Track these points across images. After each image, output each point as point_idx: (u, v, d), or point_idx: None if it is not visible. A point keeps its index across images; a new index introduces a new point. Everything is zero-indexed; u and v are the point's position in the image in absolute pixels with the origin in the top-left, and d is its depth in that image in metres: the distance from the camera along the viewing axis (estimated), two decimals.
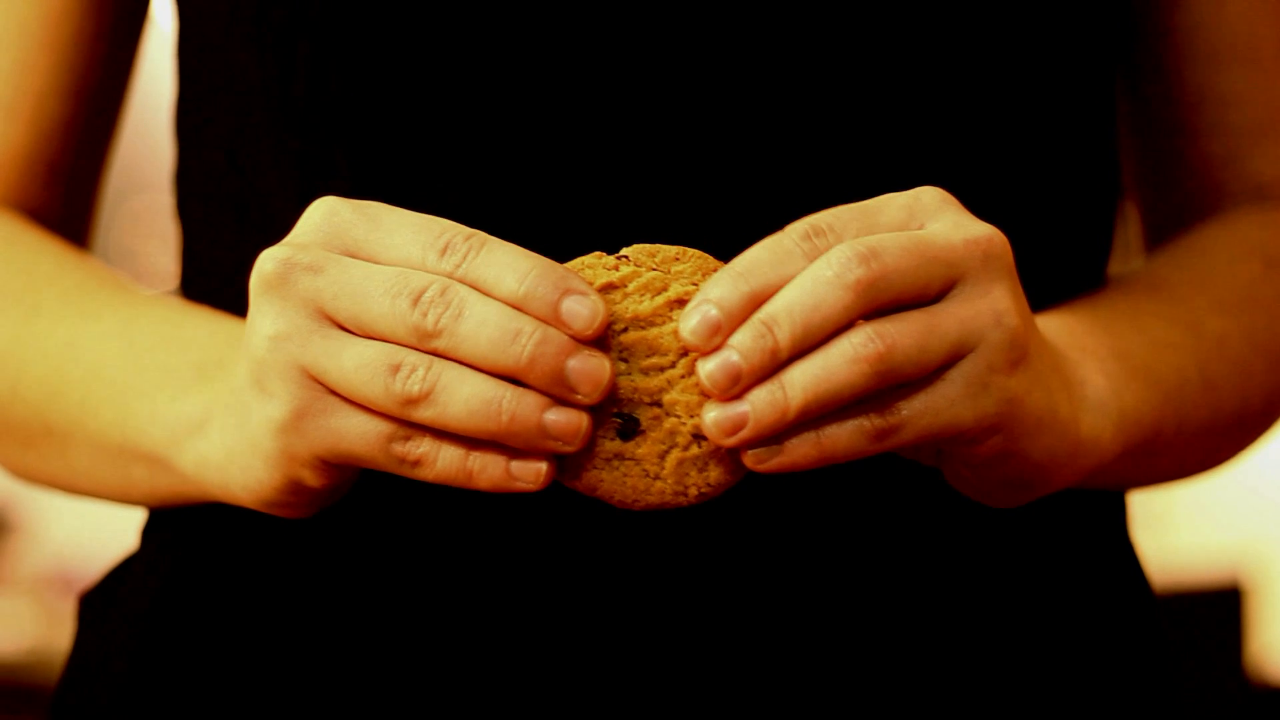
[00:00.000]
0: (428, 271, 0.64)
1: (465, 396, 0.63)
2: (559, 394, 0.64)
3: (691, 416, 0.66)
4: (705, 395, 0.65)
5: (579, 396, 0.64)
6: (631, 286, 0.67)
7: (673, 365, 0.66)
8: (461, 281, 0.64)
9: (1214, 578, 2.81)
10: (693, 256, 0.67)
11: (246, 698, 0.80)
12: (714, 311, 0.64)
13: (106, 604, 0.86)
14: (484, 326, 0.63)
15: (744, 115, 0.76)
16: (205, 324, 0.79)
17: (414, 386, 0.63)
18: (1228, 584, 2.76)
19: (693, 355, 0.66)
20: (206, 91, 0.84)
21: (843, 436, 0.64)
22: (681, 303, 0.66)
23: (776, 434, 0.64)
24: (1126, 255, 0.91)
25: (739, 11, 0.76)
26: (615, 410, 0.66)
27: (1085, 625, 0.83)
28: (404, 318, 0.63)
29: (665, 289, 0.67)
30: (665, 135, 0.76)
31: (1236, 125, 0.89)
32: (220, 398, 0.73)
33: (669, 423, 0.66)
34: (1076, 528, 0.84)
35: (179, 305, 0.82)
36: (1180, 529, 3.39)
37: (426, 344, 0.63)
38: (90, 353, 0.80)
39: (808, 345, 0.63)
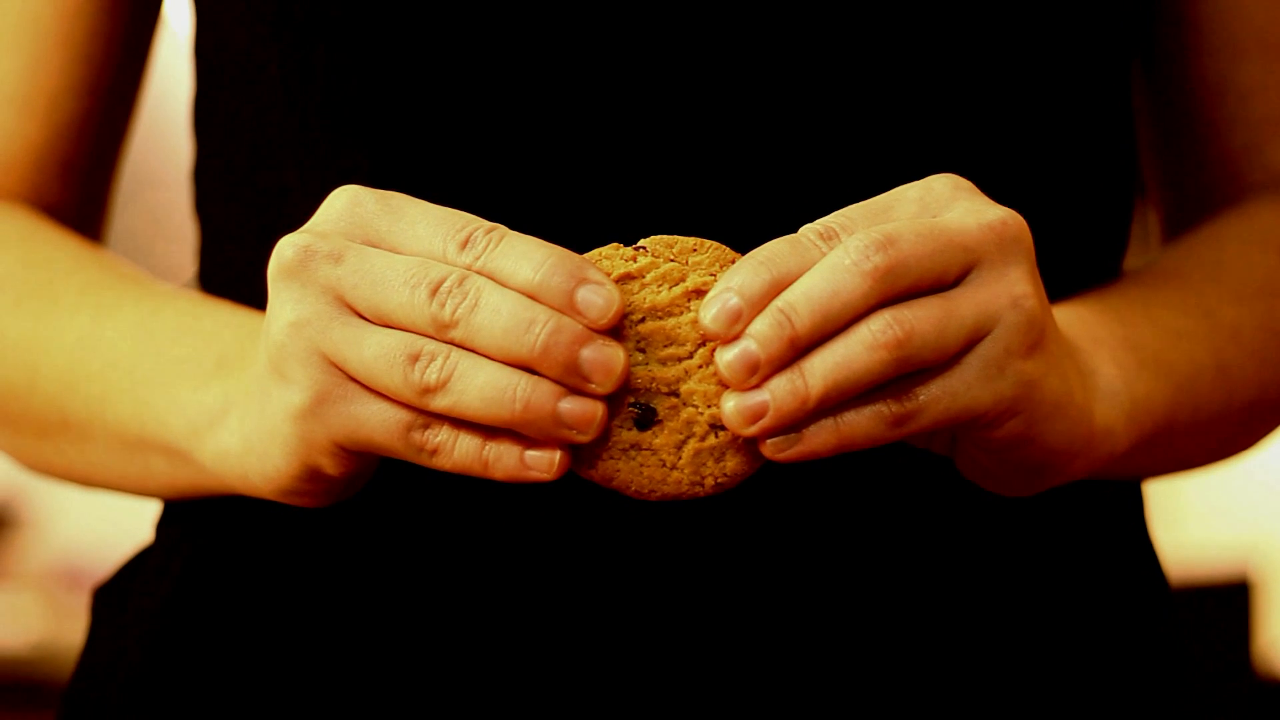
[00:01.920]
0: (448, 263, 0.64)
1: (480, 385, 0.63)
2: (573, 383, 0.64)
3: (709, 406, 0.66)
4: (724, 385, 0.65)
5: (592, 386, 0.64)
6: (649, 277, 0.67)
7: (690, 355, 0.66)
8: (480, 273, 0.64)
9: (1223, 571, 2.81)
10: (710, 248, 0.67)
11: (262, 692, 0.80)
12: (735, 300, 0.64)
13: (121, 598, 0.86)
14: (498, 316, 0.63)
15: (762, 108, 0.76)
16: (226, 317, 0.79)
17: (431, 376, 0.64)
18: (1237, 578, 2.75)
19: (711, 345, 0.66)
20: (225, 89, 0.84)
21: (861, 423, 0.64)
22: (700, 293, 0.66)
23: (796, 423, 0.64)
24: (1145, 252, 0.90)
25: (756, 3, 0.76)
26: (632, 400, 0.66)
27: (1101, 618, 0.83)
28: (422, 308, 0.64)
29: (683, 279, 0.67)
30: (683, 128, 0.77)
31: (1255, 116, 0.89)
32: (240, 388, 0.73)
33: (686, 412, 0.66)
34: (1094, 521, 0.84)
35: (199, 298, 0.82)
36: (1189, 523, 3.38)
37: (444, 334, 0.64)
38: (109, 345, 0.80)
39: (826, 333, 0.63)
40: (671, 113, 0.76)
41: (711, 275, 0.66)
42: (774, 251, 0.65)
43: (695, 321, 0.66)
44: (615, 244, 0.67)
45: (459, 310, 0.63)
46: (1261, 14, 0.88)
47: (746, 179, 0.77)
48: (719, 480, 0.66)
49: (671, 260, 0.67)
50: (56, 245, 0.85)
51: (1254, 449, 0.89)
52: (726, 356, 0.64)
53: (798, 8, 0.76)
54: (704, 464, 0.66)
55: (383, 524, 0.79)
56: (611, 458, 0.66)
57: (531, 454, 0.65)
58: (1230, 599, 2.70)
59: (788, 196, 0.76)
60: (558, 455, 0.65)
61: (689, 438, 0.66)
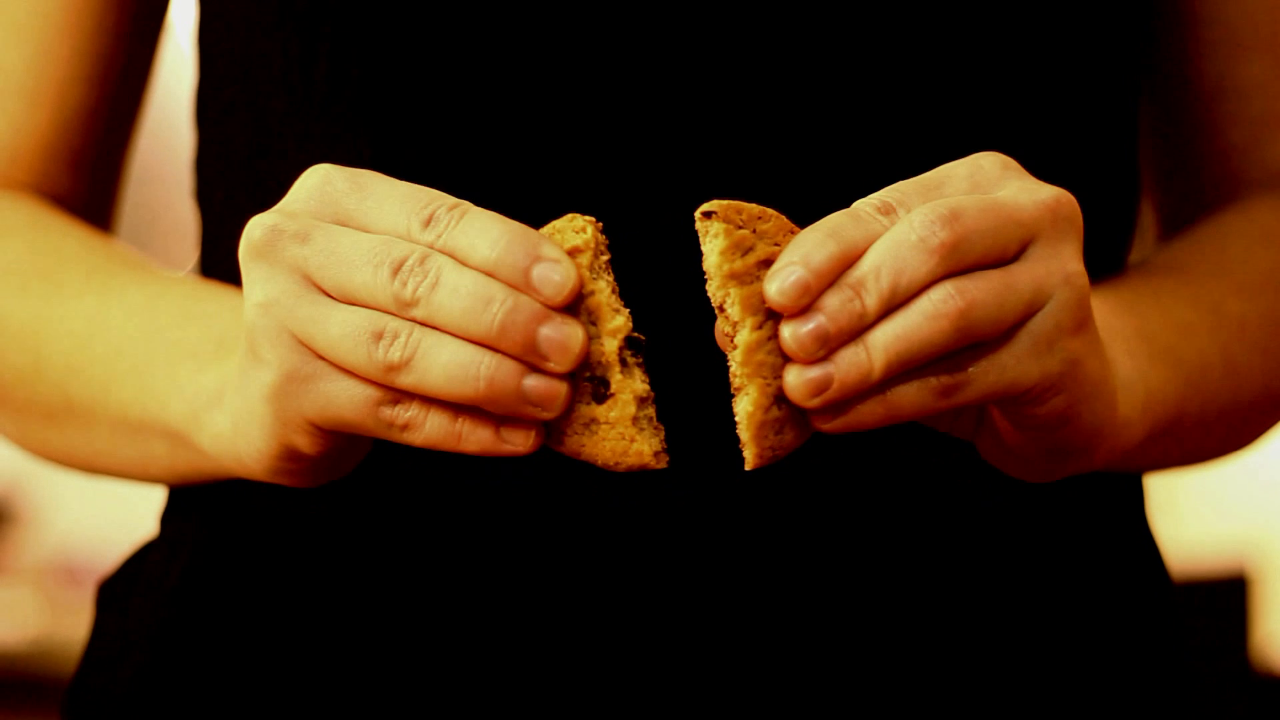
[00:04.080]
0: (411, 241, 0.64)
1: (444, 363, 0.63)
2: (532, 361, 0.63)
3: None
4: (783, 359, 0.64)
5: (550, 365, 0.64)
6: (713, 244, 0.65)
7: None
8: (442, 251, 0.64)
9: (1220, 566, 2.81)
10: (773, 216, 0.66)
11: (267, 686, 0.80)
12: (802, 272, 0.63)
13: (126, 592, 0.86)
14: (456, 295, 0.63)
15: (764, 107, 0.77)
16: (227, 301, 0.79)
17: (395, 354, 0.63)
18: (1234, 573, 2.76)
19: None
20: (228, 79, 0.84)
21: (910, 394, 0.64)
22: (768, 262, 0.65)
23: (858, 395, 0.63)
24: (1140, 247, 0.91)
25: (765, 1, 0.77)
26: (588, 374, 0.65)
27: (1102, 610, 0.83)
28: (385, 287, 0.63)
29: (753, 248, 0.65)
30: (686, 117, 0.77)
31: (1255, 114, 0.89)
32: (232, 371, 0.73)
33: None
34: (1095, 514, 0.84)
35: (201, 283, 0.83)
36: (1187, 518, 3.39)
37: (406, 313, 0.64)
38: (113, 329, 0.80)
39: (892, 307, 0.63)
40: (675, 99, 0.76)
41: (777, 244, 0.65)
42: (837, 224, 0.64)
43: (762, 292, 0.64)
44: (570, 215, 0.67)
45: (420, 289, 0.63)
46: (1262, 12, 0.88)
47: (746, 171, 0.77)
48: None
49: (740, 226, 0.66)
50: (63, 232, 0.86)
51: (1255, 445, 0.89)
52: (797, 330, 0.63)
53: (810, 7, 0.77)
54: (766, 436, 0.65)
55: (388, 516, 0.79)
56: (575, 433, 0.65)
57: (507, 428, 0.65)
58: (1228, 594, 2.71)
59: (787, 196, 0.76)
60: (533, 429, 0.65)
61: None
